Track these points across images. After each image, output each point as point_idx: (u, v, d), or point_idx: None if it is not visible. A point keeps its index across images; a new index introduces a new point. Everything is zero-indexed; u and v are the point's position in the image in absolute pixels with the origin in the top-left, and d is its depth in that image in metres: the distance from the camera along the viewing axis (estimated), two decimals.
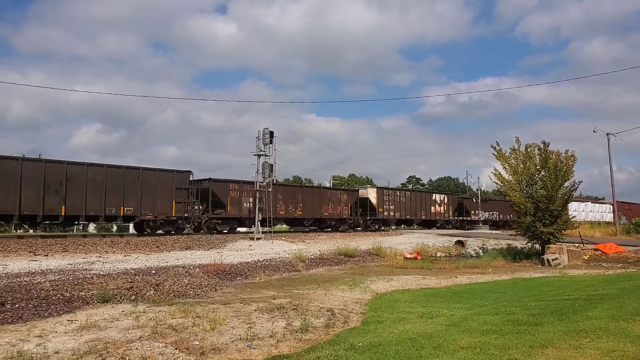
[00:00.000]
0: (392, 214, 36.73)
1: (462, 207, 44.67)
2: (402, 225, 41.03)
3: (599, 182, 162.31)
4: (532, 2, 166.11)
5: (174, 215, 23.81)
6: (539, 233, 19.12)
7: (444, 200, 42.86)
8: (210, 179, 27.19)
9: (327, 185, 51.74)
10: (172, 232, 24.20)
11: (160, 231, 23.97)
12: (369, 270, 16.19)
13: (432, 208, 40.85)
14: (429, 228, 40.00)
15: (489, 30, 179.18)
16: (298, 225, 32.50)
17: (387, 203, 36.39)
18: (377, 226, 36.34)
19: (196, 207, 25.53)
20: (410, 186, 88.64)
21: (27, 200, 19.26)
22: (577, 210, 47.31)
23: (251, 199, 27.18)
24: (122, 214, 22.14)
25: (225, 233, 26.44)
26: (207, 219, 26.05)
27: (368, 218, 35.21)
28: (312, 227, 32.96)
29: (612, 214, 49.07)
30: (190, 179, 25.28)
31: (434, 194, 43.33)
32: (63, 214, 20.21)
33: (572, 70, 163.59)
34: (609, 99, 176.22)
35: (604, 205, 59.46)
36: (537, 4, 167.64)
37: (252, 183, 26.71)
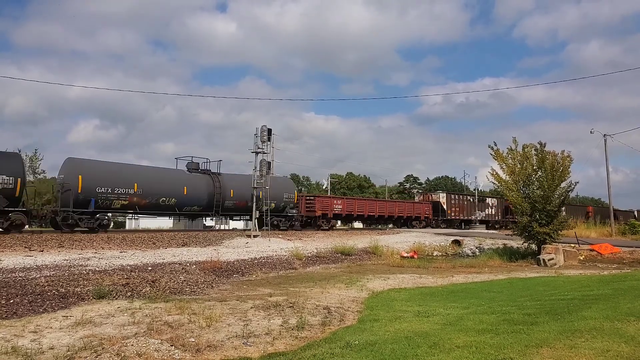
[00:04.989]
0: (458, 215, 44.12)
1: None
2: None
3: (595, 183, 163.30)
4: (530, 4, 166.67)
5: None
6: (535, 233, 19.19)
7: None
8: None
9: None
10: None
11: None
12: (366, 268, 16.21)
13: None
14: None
15: (487, 31, 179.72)
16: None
17: (454, 206, 43.77)
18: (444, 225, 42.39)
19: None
20: (407, 185, 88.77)
21: None
22: None
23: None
24: None
25: None
26: None
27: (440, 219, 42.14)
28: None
29: None
30: None
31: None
32: None
33: (569, 71, 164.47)
34: (605, 101, 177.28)
35: None
36: (535, 7, 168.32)
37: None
